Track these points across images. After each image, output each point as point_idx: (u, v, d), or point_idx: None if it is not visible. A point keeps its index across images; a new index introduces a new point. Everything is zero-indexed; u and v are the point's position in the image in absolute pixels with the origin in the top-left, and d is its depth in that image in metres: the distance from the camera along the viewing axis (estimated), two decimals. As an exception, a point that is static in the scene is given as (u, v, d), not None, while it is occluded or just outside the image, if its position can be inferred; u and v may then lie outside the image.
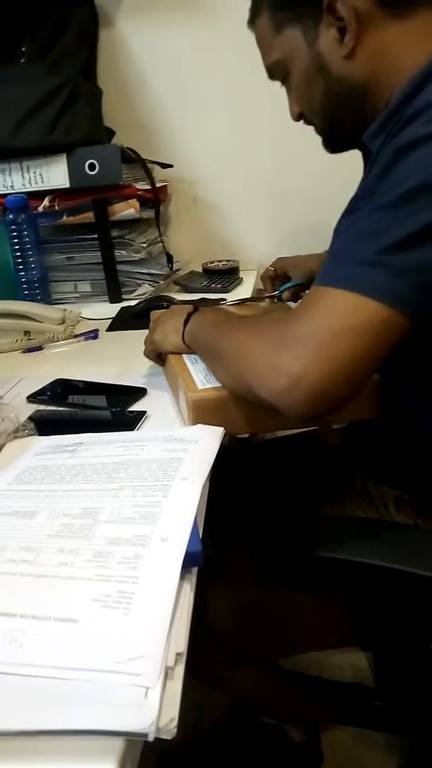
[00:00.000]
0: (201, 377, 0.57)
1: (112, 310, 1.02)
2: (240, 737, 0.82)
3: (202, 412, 0.54)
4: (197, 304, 0.65)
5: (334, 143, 0.63)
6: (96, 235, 1.04)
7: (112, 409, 0.63)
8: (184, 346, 0.62)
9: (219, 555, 0.60)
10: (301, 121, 0.64)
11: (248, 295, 1.04)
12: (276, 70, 0.61)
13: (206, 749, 0.78)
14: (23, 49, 1.07)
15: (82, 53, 1.11)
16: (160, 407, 0.61)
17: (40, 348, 0.86)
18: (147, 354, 0.68)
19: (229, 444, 0.51)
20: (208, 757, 0.80)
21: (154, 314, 0.70)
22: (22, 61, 1.07)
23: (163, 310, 0.71)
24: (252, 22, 0.61)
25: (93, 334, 0.89)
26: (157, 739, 0.27)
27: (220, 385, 0.55)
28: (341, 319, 0.42)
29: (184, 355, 0.62)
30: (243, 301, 0.96)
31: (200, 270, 1.16)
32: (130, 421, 0.58)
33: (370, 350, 0.42)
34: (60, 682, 0.29)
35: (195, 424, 0.54)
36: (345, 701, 0.63)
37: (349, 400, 0.44)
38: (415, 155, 0.43)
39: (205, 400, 0.54)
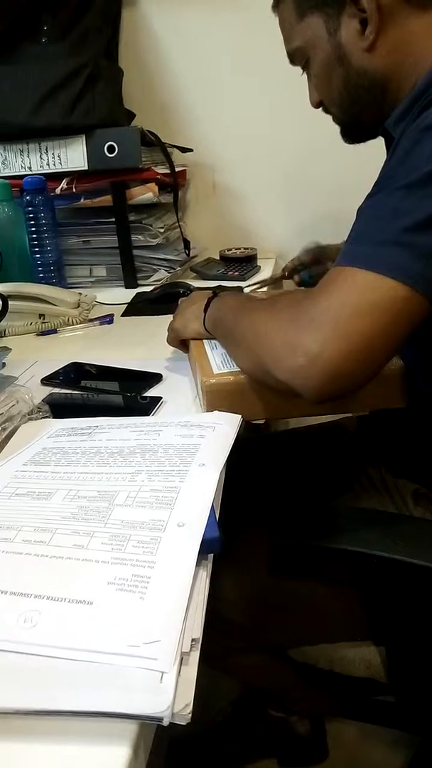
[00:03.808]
0: (218, 362, 0.56)
1: (127, 295, 1.01)
2: (246, 728, 0.82)
3: (216, 397, 0.54)
4: (217, 290, 0.65)
5: (351, 134, 0.63)
6: (113, 219, 1.03)
7: (126, 394, 0.63)
8: (205, 332, 0.61)
9: (232, 543, 0.60)
10: (320, 109, 0.64)
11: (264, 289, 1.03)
12: (297, 57, 0.61)
13: (213, 738, 0.79)
14: (45, 28, 1.06)
15: (104, 33, 1.09)
16: (176, 393, 0.60)
17: (54, 331, 0.86)
18: (170, 341, 0.67)
19: (244, 433, 0.51)
20: (214, 746, 0.80)
21: (182, 301, 0.69)
22: (44, 40, 1.06)
23: (186, 297, 0.70)
24: (276, 5, 0.61)
25: (108, 319, 0.89)
26: (167, 727, 0.27)
27: (236, 370, 0.54)
28: (359, 297, 0.41)
29: (204, 341, 0.62)
30: (263, 283, 0.96)
31: (217, 257, 1.14)
32: (145, 407, 0.58)
33: (388, 329, 0.41)
34: (74, 663, 0.28)
35: (210, 408, 0.54)
36: (353, 695, 0.62)
37: (367, 381, 0.43)
38: None
39: (220, 384, 0.53)
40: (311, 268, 0.93)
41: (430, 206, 0.40)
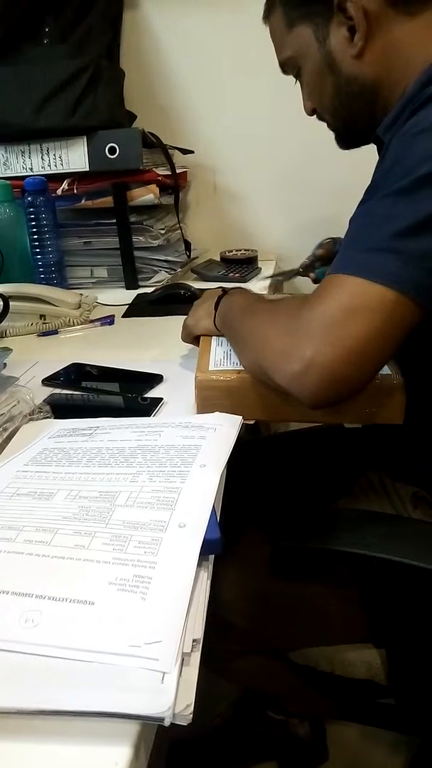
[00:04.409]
0: (217, 359, 0.57)
1: (128, 296, 1.01)
2: (246, 730, 0.82)
3: (206, 393, 0.54)
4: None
5: (345, 140, 0.64)
6: (114, 220, 1.03)
7: (127, 395, 0.63)
8: (215, 329, 0.62)
9: (232, 545, 0.60)
10: (314, 116, 0.65)
11: (267, 285, 1.03)
12: (288, 66, 0.62)
13: (213, 740, 0.79)
14: (47, 29, 1.06)
15: (106, 35, 1.09)
16: (176, 394, 0.60)
17: (55, 332, 0.86)
18: (183, 337, 0.68)
19: (244, 435, 0.51)
20: (214, 748, 0.80)
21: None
22: (46, 42, 1.06)
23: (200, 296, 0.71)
24: (266, 17, 0.62)
25: (109, 320, 0.89)
26: (167, 729, 0.27)
27: (233, 368, 0.55)
28: (349, 301, 0.42)
29: (213, 338, 0.63)
30: (281, 274, 0.96)
31: (218, 258, 1.14)
32: (145, 408, 0.58)
33: (379, 333, 0.42)
34: (75, 663, 0.28)
35: (201, 404, 0.54)
36: (354, 698, 0.62)
37: (363, 385, 0.44)
38: (427, 142, 0.42)
39: (210, 381, 0.54)
40: (327, 265, 0.94)
41: (419, 211, 0.41)
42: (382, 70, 0.53)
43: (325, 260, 0.93)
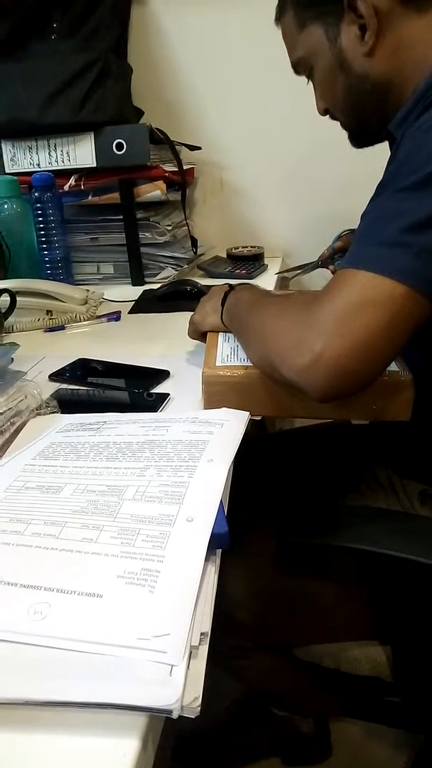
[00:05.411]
0: (224, 355, 0.57)
1: (134, 292, 1.01)
2: (250, 726, 0.82)
3: (212, 388, 0.54)
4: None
5: (359, 138, 0.64)
6: (121, 216, 1.03)
7: (134, 390, 0.63)
8: (222, 325, 0.62)
9: (239, 541, 0.60)
10: (327, 116, 0.65)
11: (273, 282, 1.03)
12: (301, 66, 0.62)
13: (218, 735, 0.79)
14: (54, 25, 1.06)
15: (114, 31, 1.09)
16: (183, 390, 0.60)
17: (62, 328, 0.86)
18: (190, 333, 0.68)
19: (251, 431, 0.51)
20: (219, 743, 0.80)
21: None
22: (53, 37, 1.06)
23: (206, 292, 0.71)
24: (278, 19, 0.62)
25: (115, 316, 0.89)
26: (174, 722, 0.27)
27: (240, 364, 0.55)
28: (359, 296, 0.42)
29: (219, 334, 0.63)
30: (301, 267, 0.95)
31: (224, 255, 1.14)
32: (152, 403, 0.58)
33: (388, 327, 0.42)
34: (84, 655, 0.28)
35: (207, 400, 0.54)
36: (359, 694, 0.62)
37: (371, 379, 0.44)
38: None
39: (217, 376, 0.54)
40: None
41: (429, 207, 0.41)
42: (393, 68, 0.54)
43: (344, 252, 0.93)
